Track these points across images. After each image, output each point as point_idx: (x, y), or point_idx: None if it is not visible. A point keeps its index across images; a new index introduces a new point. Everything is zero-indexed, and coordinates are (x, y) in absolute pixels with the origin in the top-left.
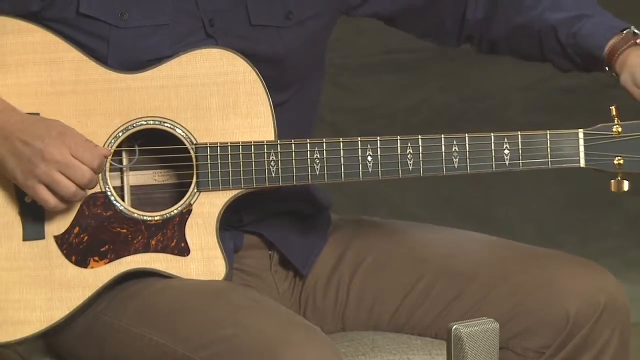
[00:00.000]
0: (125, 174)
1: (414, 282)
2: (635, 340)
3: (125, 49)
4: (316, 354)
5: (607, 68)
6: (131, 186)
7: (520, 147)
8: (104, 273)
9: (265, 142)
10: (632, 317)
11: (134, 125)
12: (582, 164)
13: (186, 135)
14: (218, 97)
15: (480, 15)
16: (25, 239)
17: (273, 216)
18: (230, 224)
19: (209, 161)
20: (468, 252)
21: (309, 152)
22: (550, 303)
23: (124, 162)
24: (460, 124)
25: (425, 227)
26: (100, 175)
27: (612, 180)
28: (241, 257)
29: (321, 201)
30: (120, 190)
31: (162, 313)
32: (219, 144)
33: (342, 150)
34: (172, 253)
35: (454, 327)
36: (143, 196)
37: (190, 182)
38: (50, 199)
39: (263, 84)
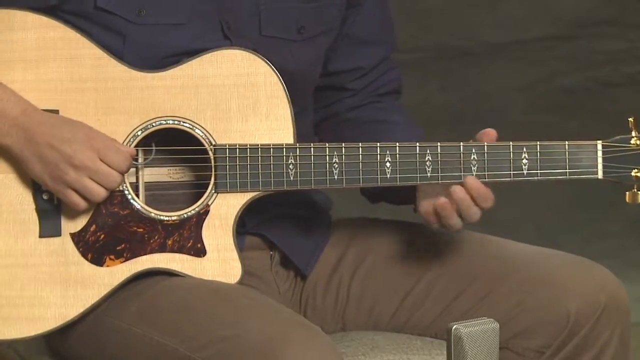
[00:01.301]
0: (140, 171)
1: (414, 282)
2: (636, 340)
3: (141, 45)
4: (317, 354)
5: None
6: (146, 182)
7: (538, 157)
8: (119, 272)
9: (284, 145)
10: (633, 317)
11: (153, 124)
12: (600, 175)
13: (205, 136)
14: (238, 98)
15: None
16: (41, 235)
17: (273, 219)
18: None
19: (227, 163)
20: (468, 252)
21: (327, 156)
22: (551, 303)
23: (140, 160)
24: (460, 124)
25: (425, 227)
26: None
27: (628, 192)
28: (242, 257)
29: (320, 203)
30: (135, 188)
31: (163, 313)
32: (237, 146)
33: (360, 156)
34: (189, 254)
35: (454, 327)
36: (158, 193)
37: (207, 182)
38: (81, 203)
39: (284, 86)
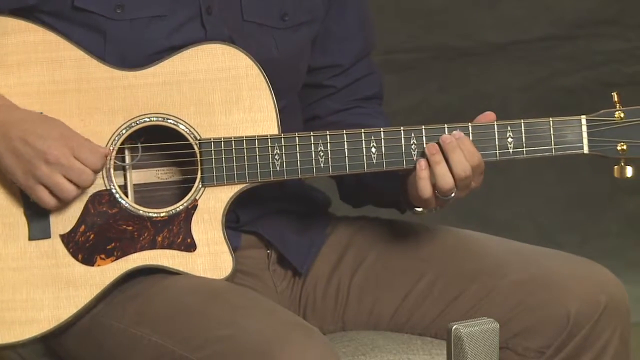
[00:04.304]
0: (128, 171)
1: (414, 282)
2: (636, 340)
3: (122, 42)
4: (314, 354)
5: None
6: (135, 184)
7: (523, 134)
8: (110, 271)
9: (269, 136)
10: (633, 317)
11: (137, 122)
12: (586, 150)
13: (190, 131)
14: (221, 92)
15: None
16: (31, 238)
17: (270, 215)
18: (227, 224)
19: (213, 156)
20: (468, 251)
21: (312, 145)
22: (551, 303)
23: (127, 159)
24: None
25: (425, 227)
26: (104, 173)
27: (616, 166)
28: (239, 256)
29: (318, 201)
30: (123, 189)
31: (160, 314)
32: (222, 139)
33: (346, 143)
34: (179, 249)
35: (454, 327)
36: (147, 194)
37: (194, 178)
38: (50, 201)
39: (265, 78)
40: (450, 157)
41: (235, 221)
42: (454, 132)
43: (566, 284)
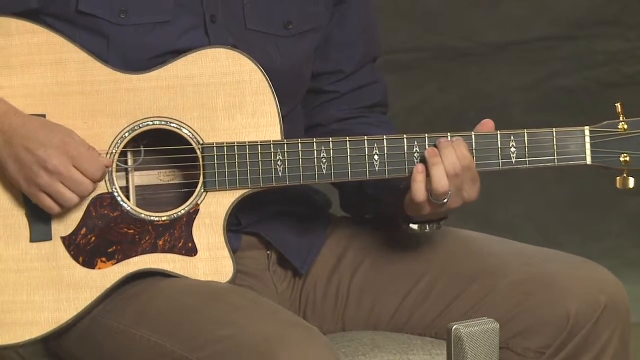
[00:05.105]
0: (130, 174)
1: (414, 282)
2: (636, 340)
3: (125, 46)
4: (314, 354)
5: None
6: (136, 186)
7: (526, 144)
8: (111, 274)
9: (271, 142)
10: (633, 317)
11: (141, 125)
12: (589, 161)
13: (192, 135)
14: (224, 96)
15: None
16: (32, 240)
17: (270, 217)
18: (228, 227)
19: (215, 161)
20: (468, 252)
21: (315, 151)
22: (551, 303)
23: (129, 162)
24: (460, 124)
25: None
26: (106, 175)
27: (618, 177)
28: (239, 257)
29: (318, 202)
30: (125, 190)
31: (160, 314)
32: (225, 144)
33: (348, 149)
34: (180, 253)
35: (454, 327)
36: (148, 196)
37: (196, 182)
38: (53, 207)
39: (269, 83)
40: (442, 153)
41: (237, 224)
42: (453, 137)
43: (566, 284)
